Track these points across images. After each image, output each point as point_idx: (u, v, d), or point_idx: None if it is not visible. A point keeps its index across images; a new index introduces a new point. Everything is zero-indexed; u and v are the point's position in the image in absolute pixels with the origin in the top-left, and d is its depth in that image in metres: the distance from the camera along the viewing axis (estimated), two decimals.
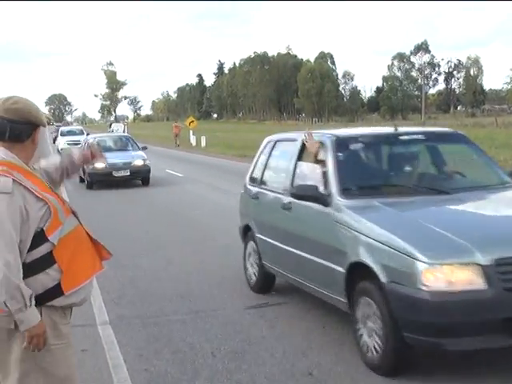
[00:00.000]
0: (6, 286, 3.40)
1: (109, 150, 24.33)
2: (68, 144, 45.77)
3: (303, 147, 7.55)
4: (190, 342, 6.80)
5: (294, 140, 8.12)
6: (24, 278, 3.50)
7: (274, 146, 8.87)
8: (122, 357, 6.44)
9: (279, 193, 7.83)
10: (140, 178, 23.90)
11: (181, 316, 7.73)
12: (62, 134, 50.58)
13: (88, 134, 46.43)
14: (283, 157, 8.43)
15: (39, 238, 3.57)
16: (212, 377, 5.89)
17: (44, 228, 3.58)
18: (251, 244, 8.74)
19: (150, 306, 8.22)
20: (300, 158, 7.66)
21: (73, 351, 3.87)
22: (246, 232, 8.98)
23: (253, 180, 9.18)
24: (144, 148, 25.77)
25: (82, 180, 23.90)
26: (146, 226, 14.40)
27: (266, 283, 8.54)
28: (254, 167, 9.35)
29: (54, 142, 56.23)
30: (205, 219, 15.09)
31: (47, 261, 3.60)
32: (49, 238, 3.59)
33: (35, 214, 3.54)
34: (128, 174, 23.23)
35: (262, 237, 8.31)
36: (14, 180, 3.51)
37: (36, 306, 3.56)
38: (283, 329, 7.12)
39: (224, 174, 27.06)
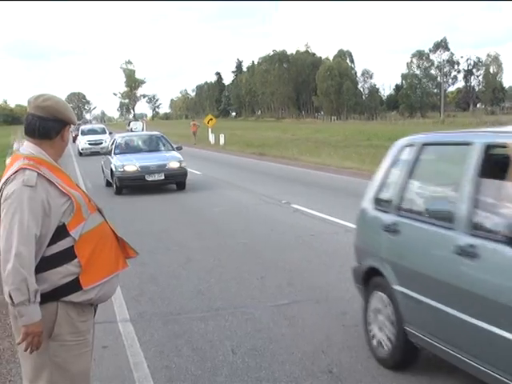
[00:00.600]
0: (13, 277, 3.42)
1: (139, 150, 22.57)
2: (89, 144, 44.66)
3: (490, 156, 4.99)
4: (210, 339, 6.82)
5: (464, 143, 5.28)
6: (43, 271, 3.55)
7: (419, 153, 5.92)
8: (143, 354, 6.47)
9: (447, 228, 5.09)
10: (175, 182, 21.38)
11: (201, 313, 7.74)
12: (83, 133, 47.05)
13: (111, 133, 44.57)
14: (447, 169, 6.16)
15: (61, 232, 3.62)
16: (232, 374, 5.90)
17: (66, 223, 3.62)
18: (380, 297, 6.07)
19: (171, 303, 8.24)
20: (486, 172, 4.92)
21: (89, 349, 3.88)
22: (370, 277, 6.31)
23: (382, 202, 6.31)
24: (179, 148, 23.06)
25: (108, 184, 22.30)
26: (165, 223, 14.42)
27: (407, 356, 5.84)
28: (383, 183, 6.47)
29: (74, 142, 53.57)
30: (224, 217, 15.11)
31: (68, 255, 3.64)
32: (70, 232, 3.63)
33: (58, 209, 3.59)
34: (162, 178, 20.62)
35: (405, 291, 5.58)
36: (38, 174, 3.57)
37: (53, 300, 3.61)
38: (303, 327, 7.12)
39: (243, 172, 27.06)
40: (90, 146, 44.56)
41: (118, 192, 20.62)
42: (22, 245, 3.45)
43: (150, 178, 20.46)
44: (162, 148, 22.99)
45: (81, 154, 44.20)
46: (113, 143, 23.03)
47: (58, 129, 3.78)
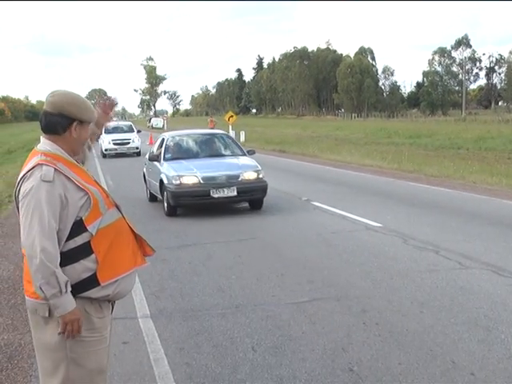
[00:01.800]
0: (42, 272, 3.47)
1: (198, 155, 16.74)
2: (114, 144, 39.86)
3: None
4: (231, 336, 6.82)
5: None
6: (61, 267, 3.57)
7: None
8: (163, 350, 6.47)
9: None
10: (251, 199, 15.63)
11: (221, 310, 7.74)
12: (107, 131, 39.35)
13: (139, 131, 43.03)
14: None
15: (78, 227, 3.64)
16: (252, 371, 5.89)
17: (83, 218, 3.64)
18: None
19: (191, 299, 8.25)
20: None
21: (106, 346, 3.88)
22: None
23: None
24: (251, 152, 17.32)
25: (153, 198, 17.40)
26: (186, 220, 14.45)
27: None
28: None
29: (96, 141, 53.72)
30: (244, 213, 15.10)
31: (85, 251, 3.66)
32: (87, 227, 3.65)
33: (75, 203, 3.62)
34: (234, 194, 14.76)
35: None
36: (55, 169, 3.59)
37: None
38: (323, 324, 7.10)
39: (263, 169, 26.97)
40: (115, 147, 39.88)
41: (171, 212, 15.08)
42: (46, 239, 3.48)
43: (217, 195, 14.73)
44: (229, 152, 17.25)
45: (104, 156, 39.59)
46: (161, 145, 17.30)
47: (64, 124, 3.77)
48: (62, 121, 3.74)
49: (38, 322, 3.72)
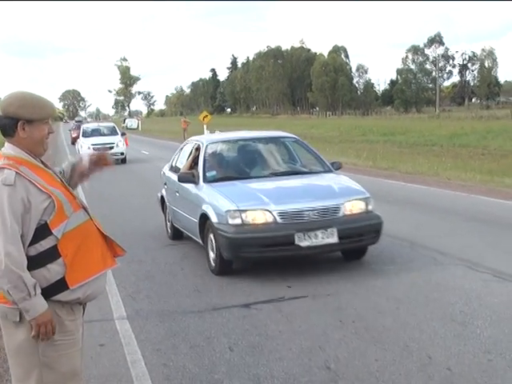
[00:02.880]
0: (9, 277, 3.44)
1: (259, 173, 10.70)
2: (95, 149, 29.02)
3: None
4: (208, 336, 6.81)
5: None
6: (29, 271, 3.53)
7: None
8: (140, 352, 6.45)
9: None
10: (360, 246, 9.79)
11: (198, 310, 7.73)
12: (86, 135, 34.92)
13: (124, 134, 36.07)
14: None
15: (43, 230, 3.61)
16: (229, 371, 5.88)
17: (48, 221, 3.61)
18: None
19: (167, 300, 8.23)
20: None
21: (79, 348, 3.86)
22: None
23: None
24: (336, 166, 11.09)
25: (177, 234, 12.04)
26: (162, 221, 14.40)
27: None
28: None
29: (72, 144, 48.66)
30: None
31: (52, 254, 3.62)
32: (53, 231, 3.61)
33: (38, 206, 3.58)
34: (335, 240, 8.98)
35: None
36: (17, 173, 3.56)
37: None
38: (300, 323, 7.11)
39: None
40: (94, 152, 30.97)
41: (222, 269, 9.38)
42: (9, 244, 3.46)
43: (305, 243, 8.91)
44: (306, 167, 11.34)
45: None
46: (197, 156, 11.06)
47: (11, 124, 3.72)
48: (8, 122, 3.70)
49: (9, 327, 3.69)
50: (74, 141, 49.30)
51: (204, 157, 10.74)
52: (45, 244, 3.61)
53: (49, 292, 3.61)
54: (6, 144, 3.77)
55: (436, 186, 18.75)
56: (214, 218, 9.30)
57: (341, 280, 8.73)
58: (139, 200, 18.44)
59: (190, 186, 10.62)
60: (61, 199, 3.66)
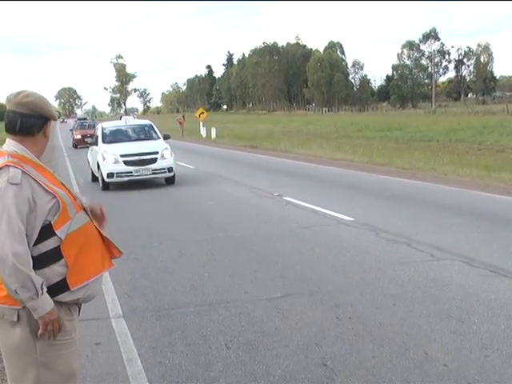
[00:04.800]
0: (17, 276, 3.42)
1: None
2: (128, 163, 19.98)
3: None
4: (204, 334, 6.79)
5: None
6: None
7: None
8: (136, 350, 6.43)
9: None
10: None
11: (194, 308, 7.71)
12: (107, 139, 21.77)
13: (168, 137, 22.84)
14: None
15: (47, 231, 3.59)
16: (226, 369, 5.87)
17: (52, 222, 3.59)
18: None
19: (163, 298, 8.21)
20: None
21: (76, 348, 3.85)
22: None
23: None
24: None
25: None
26: (158, 218, 14.40)
27: None
28: None
29: (75, 147, 43.80)
30: (216, 210, 15.07)
31: (54, 255, 3.61)
32: (56, 232, 3.60)
33: (43, 206, 3.56)
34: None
35: None
36: (23, 172, 3.54)
37: None
38: (296, 320, 7.09)
39: (235, 166, 27.05)
40: (128, 168, 20.06)
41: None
42: (17, 243, 3.43)
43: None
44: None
45: (106, 187, 20.34)
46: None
47: (41, 125, 3.74)
48: (39, 121, 3.71)
49: (5, 327, 3.67)
50: (77, 143, 43.96)
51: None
52: (48, 245, 3.60)
53: (50, 293, 3.59)
54: (9, 141, 3.74)
55: (433, 182, 18.74)
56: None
57: (337, 276, 8.72)
58: (134, 195, 18.43)
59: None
60: (65, 200, 3.66)
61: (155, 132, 22.72)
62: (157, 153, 20.29)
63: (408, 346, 6.13)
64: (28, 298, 3.45)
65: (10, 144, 3.72)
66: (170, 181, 20.72)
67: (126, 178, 19.94)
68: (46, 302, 3.52)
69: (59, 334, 3.67)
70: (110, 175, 19.82)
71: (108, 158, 20.04)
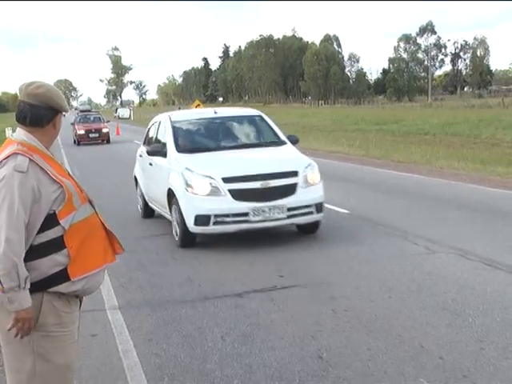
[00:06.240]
0: (4, 263, 3.39)
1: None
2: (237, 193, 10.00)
3: None
4: (200, 326, 6.79)
5: None
6: (31, 260, 3.52)
7: None
8: (132, 342, 6.44)
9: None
10: None
11: (190, 300, 7.72)
12: (187, 147, 11.44)
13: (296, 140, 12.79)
14: None
15: (51, 220, 3.58)
16: (222, 361, 5.87)
17: (56, 211, 3.59)
18: None
19: (159, 290, 8.21)
20: None
21: (74, 341, 3.83)
22: None
23: None
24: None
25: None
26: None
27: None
28: None
29: (77, 143, 39.70)
30: None
31: (57, 245, 3.60)
32: (60, 221, 3.59)
33: (48, 196, 3.56)
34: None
35: None
36: (30, 160, 3.54)
37: (39, 290, 3.58)
38: (292, 312, 7.11)
39: None
40: (240, 207, 9.98)
41: None
42: (12, 231, 3.42)
43: None
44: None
45: (189, 242, 10.54)
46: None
47: (50, 117, 3.74)
48: (49, 113, 3.71)
49: (2, 316, 3.66)
50: (80, 139, 38.86)
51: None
52: (51, 234, 3.59)
53: (49, 282, 3.59)
54: (20, 130, 3.75)
55: (428, 175, 18.75)
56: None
57: (333, 269, 8.74)
58: (132, 189, 18.39)
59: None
60: (71, 190, 3.65)
61: (273, 131, 12.43)
62: (296, 174, 10.54)
63: (403, 339, 6.14)
64: (9, 289, 3.42)
65: (20, 133, 3.73)
66: (309, 229, 11.10)
67: (234, 226, 10.20)
68: (25, 298, 3.48)
69: (56, 326, 3.66)
70: (202, 219, 10.18)
71: (197, 184, 10.27)
